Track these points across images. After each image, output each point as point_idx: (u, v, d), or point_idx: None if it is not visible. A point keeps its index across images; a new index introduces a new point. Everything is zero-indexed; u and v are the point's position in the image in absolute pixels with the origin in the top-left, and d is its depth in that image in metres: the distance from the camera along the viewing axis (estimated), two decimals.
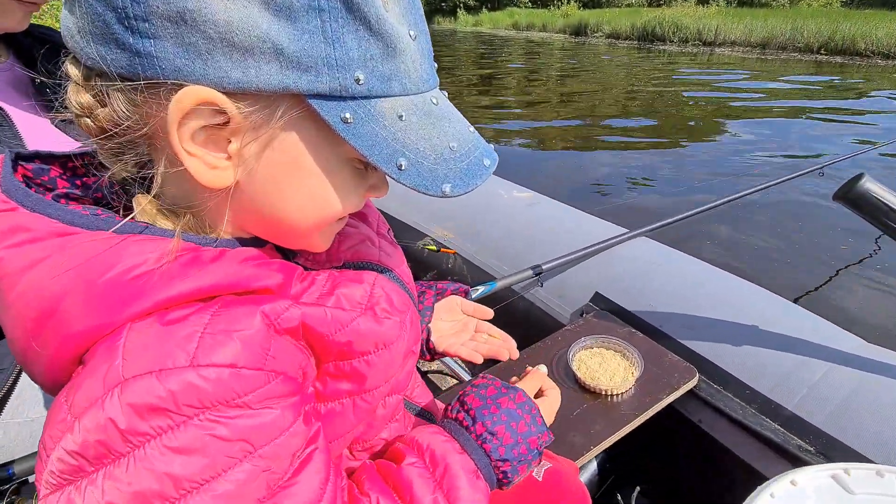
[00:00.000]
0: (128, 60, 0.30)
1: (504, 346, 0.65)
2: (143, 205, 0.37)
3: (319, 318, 0.39)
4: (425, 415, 0.62)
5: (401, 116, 0.34)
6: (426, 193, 0.35)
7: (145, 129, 0.33)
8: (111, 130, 0.33)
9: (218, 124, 0.33)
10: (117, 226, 0.34)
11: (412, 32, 0.35)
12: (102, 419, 0.29)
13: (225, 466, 0.31)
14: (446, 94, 0.40)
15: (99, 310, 0.32)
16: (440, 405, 0.73)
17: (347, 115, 0.33)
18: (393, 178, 0.35)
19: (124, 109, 0.32)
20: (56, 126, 0.93)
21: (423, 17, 0.37)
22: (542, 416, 0.53)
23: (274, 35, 0.30)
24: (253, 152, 0.34)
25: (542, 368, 0.65)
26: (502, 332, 0.66)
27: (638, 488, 1.05)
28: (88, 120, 0.34)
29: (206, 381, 0.31)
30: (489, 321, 0.72)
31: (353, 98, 0.33)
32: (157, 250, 0.34)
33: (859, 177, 0.73)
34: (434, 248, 1.57)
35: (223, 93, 0.31)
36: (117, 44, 0.30)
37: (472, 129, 0.40)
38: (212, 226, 0.38)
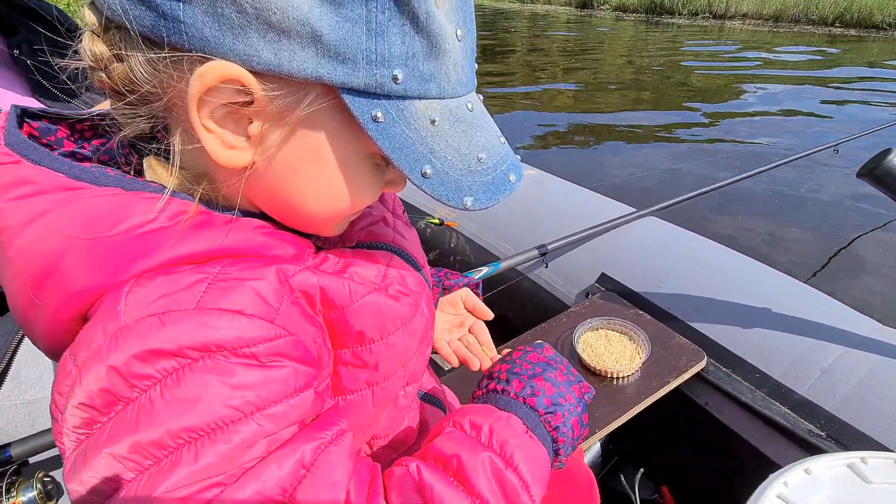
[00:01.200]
0: (152, 21, 0.28)
1: (480, 354, 0.61)
2: (154, 167, 0.36)
3: (336, 289, 0.37)
4: (432, 399, 0.60)
5: (433, 121, 0.33)
6: (446, 204, 0.34)
7: (163, 100, 0.32)
8: (126, 91, 0.32)
9: (240, 103, 0.31)
10: (128, 182, 0.33)
11: (459, 32, 0.33)
12: (104, 366, 0.28)
13: (227, 419, 0.29)
14: (482, 97, 0.38)
15: (103, 267, 0.31)
16: (447, 391, 0.71)
17: (379, 114, 0.31)
18: (415, 185, 0.33)
19: (143, 72, 0.30)
20: (41, 101, 0.89)
21: (473, 14, 0.35)
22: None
23: (315, 19, 0.28)
24: (274, 137, 0.33)
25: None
26: (490, 340, 0.62)
27: (642, 470, 1.04)
28: (103, 74, 0.32)
29: (212, 325, 0.29)
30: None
31: (388, 97, 0.31)
32: (169, 210, 0.33)
33: (887, 152, 0.69)
34: (437, 221, 1.54)
35: (251, 72, 0.29)
36: (143, 0, 0.28)
37: (502, 139, 0.38)
38: (226, 198, 0.37)
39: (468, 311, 0.66)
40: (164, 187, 0.34)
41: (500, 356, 0.53)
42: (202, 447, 0.28)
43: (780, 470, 0.56)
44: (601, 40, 10.56)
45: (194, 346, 0.28)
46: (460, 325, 0.65)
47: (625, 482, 1.07)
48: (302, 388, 0.32)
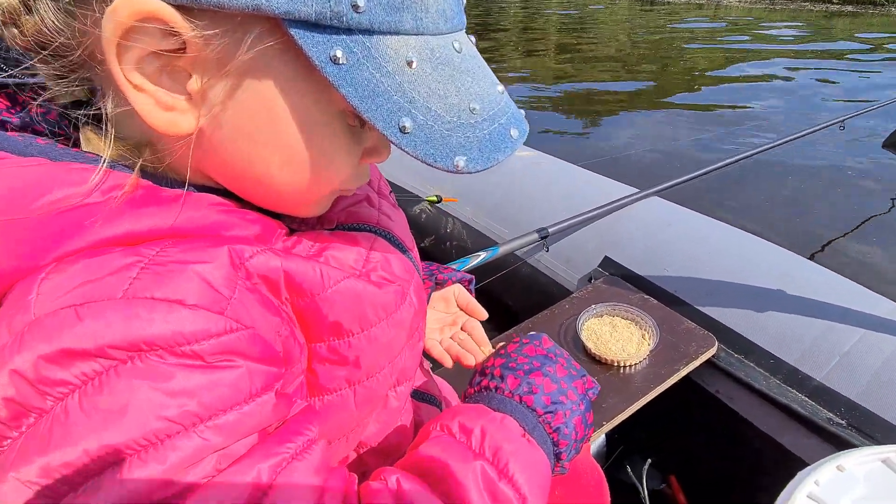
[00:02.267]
0: None
1: (475, 350, 0.55)
2: (90, 138, 0.31)
3: (305, 273, 0.32)
4: (427, 398, 0.55)
5: (410, 62, 0.27)
6: (433, 166, 0.28)
7: (77, 52, 0.26)
8: (41, 47, 0.26)
9: (171, 51, 0.25)
10: (57, 151, 0.27)
11: None
12: (6, 371, 0.23)
13: (162, 433, 0.23)
14: (474, 39, 0.32)
15: (20, 248, 0.25)
16: (442, 384, 0.66)
17: (338, 54, 0.25)
18: (393, 143, 0.28)
19: (53, 20, 0.25)
20: None
21: None
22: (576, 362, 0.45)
23: None
24: (217, 93, 0.27)
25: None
26: (485, 338, 0.57)
27: (650, 461, 1.00)
28: (15, 30, 0.26)
29: (143, 318, 0.24)
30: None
31: (349, 31, 0.26)
32: (105, 184, 0.27)
33: None
34: (434, 198, 1.49)
35: (175, 6, 0.24)
36: None
37: (500, 88, 0.32)
38: (174, 170, 0.31)
39: (461, 310, 0.60)
40: (101, 157, 0.28)
41: (494, 350, 0.47)
42: (130, 469, 0.23)
43: (810, 467, 0.52)
44: (596, 18, 10.37)
45: (120, 344, 0.23)
46: (452, 324, 0.59)
47: (631, 473, 1.04)
48: (259, 391, 0.27)
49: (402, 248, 0.42)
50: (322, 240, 0.36)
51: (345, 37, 0.25)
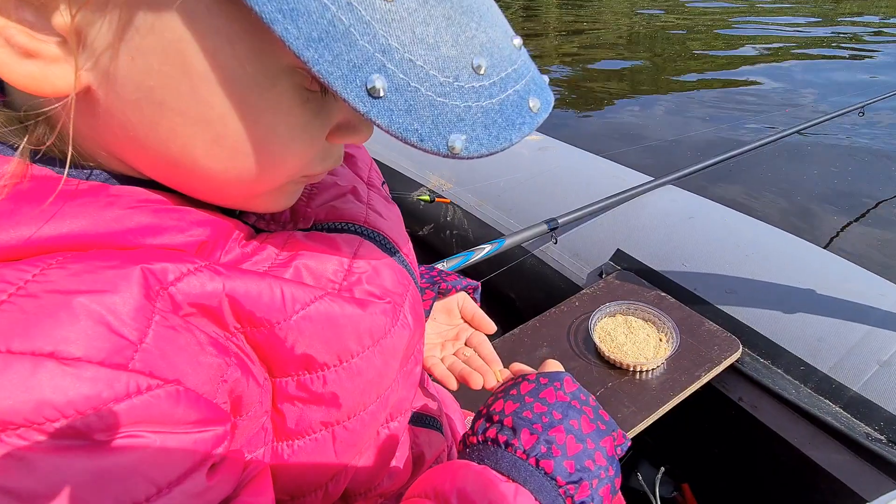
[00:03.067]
0: None
1: (484, 370, 0.47)
2: None
3: (260, 296, 0.24)
4: (426, 420, 0.47)
5: None
6: (417, 146, 0.20)
7: None
8: None
9: None
10: None
11: None
12: None
13: None
14: None
15: None
16: (441, 395, 0.58)
17: None
18: (358, 112, 0.19)
19: None
20: None
21: None
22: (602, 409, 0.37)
23: None
24: (104, 33, 0.19)
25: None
26: (493, 354, 0.49)
27: (663, 469, 0.94)
28: None
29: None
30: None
31: None
32: None
33: None
34: (427, 198, 1.38)
35: None
36: None
37: (517, 41, 0.23)
38: (84, 154, 0.23)
39: (465, 322, 0.52)
40: None
41: (502, 382, 0.39)
42: None
43: None
44: None
45: None
46: (455, 338, 0.51)
47: (642, 480, 0.98)
48: (182, 474, 0.19)
49: (396, 253, 0.34)
50: (293, 245, 0.28)
51: None
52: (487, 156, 0.21)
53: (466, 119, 0.20)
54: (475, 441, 0.35)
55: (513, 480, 0.31)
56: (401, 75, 0.19)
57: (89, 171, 0.23)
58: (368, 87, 0.18)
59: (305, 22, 0.17)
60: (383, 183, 0.42)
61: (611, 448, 0.34)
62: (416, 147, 0.20)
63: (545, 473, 0.31)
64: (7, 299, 0.17)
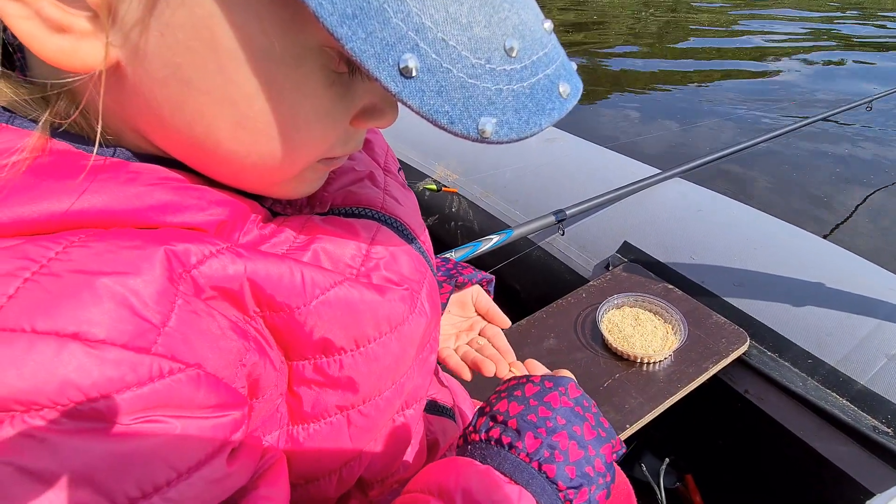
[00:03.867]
0: None
1: (496, 358, 0.47)
2: None
3: (280, 279, 0.24)
4: (439, 408, 0.47)
5: None
6: (447, 129, 0.19)
7: None
8: None
9: None
10: None
11: None
12: None
13: None
14: None
15: None
16: (453, 385, 0.58)
17: None
18: (389, 91, 0.18)
19: None
20: None
21: None
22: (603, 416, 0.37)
23: None
24: (135, 8, 0.19)
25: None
26: (508, 346, 0.48)
27: (668, 460, 0.95)
28: None
29: (14, 363, 0.16)
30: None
31: None
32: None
33: None
34: (433, 187, 1.38)
35: None
36: None
37: (548, 25, 0.23)
38: (107, 130, 0.23)
39: (480, 316, 0.52)
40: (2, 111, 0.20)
41: (506, 381, 0.39)
42: None
43: (875, 499, 0.45)
44: None
45: None
46: (469, 329, 0.51)
47: (646, 471, 0.98)
48: (205, 459, 0.19)
49: (413, 240, 0.34)
50: (311, 229, 0.27)
51: None
52: (516, 141, 0.21)
53: (497, 102, 0.20)
54: (477, 439, 0.35)
55: (516, 483, 0.31)
56: (433, 55, 0.19)
57: (112, 148, 0.23)
58: (401, 67, 0.18)
59: (340, 4, 0.17)
60: (399, 169, 0.41)
61: (609, 455, 0.34)
62: (445, 130, 0.20)
63: (547, 477, 0.31)
64: (31, 277, 0.17)
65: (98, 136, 0.21)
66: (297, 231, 0.27)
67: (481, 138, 0.20)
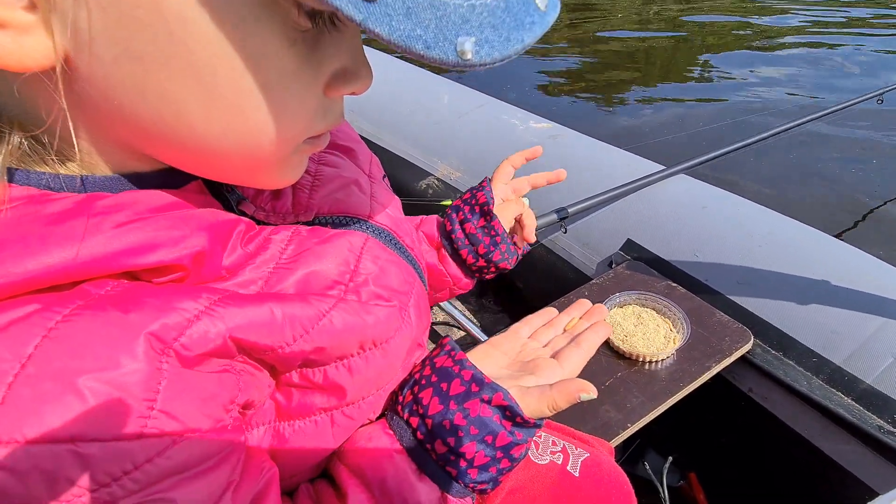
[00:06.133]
0: None
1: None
2: None
3: (261, 325, 0.24)
4: None
5: None
6: (424, 56, 0.18)
7: None
8: None
9: None
10: None
11: None
12: None
13: None
14: None
15: None
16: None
17: None
18: (353, 19, 0.17)
19: None
20: None
21: None
22: (526, 418, 0.35)
23: None
24: None
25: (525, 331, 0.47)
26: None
27: (671, 458, 0.94)
28: None
29: (27, 474, 0.16)
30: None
31: None
32: None
33: None
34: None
35: None
36: None
37: None
38: (85, 158, 0.22)
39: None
40: None
41: (444, 357, 0.37)
42: None
43: (879, 499, 0.45)
44: None
45: None
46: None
47: (649, 469, 0.98)
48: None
49: (401, 248, 0.34)
50: (298, 243, 0.27)
51: None
52: (500, 62, 0.19)
53: (472, 20, 0.18)
54: (403, 413, 0.35)
55: (426, 475, 0.33)
56: None
57: (78, 177, 0.22)
58: None
59: None
60: (384, 176, 0.41)
61: (518, 452, 0.35)
62: (423, 58, 0.18)
63: (451, 477, 0.33)
64: (20, 372, 0.17)
65: (76, 150, 0.21)
66: (284, 246, 0.27)
67: (462, 61, 0.18)
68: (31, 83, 0.19)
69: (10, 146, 0.20)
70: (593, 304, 0.93)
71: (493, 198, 0.55)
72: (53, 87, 0.19)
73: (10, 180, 0.20)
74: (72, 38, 0.19)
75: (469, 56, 0.18)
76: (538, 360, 0.41)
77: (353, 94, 0.25)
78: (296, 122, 0.24)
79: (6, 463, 0.16)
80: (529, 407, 0.36)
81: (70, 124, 0.20)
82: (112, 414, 0.18)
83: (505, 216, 0.57)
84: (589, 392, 0.35)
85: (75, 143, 0.21)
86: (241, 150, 0.23)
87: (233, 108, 0.21)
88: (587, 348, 0.41)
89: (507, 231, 0.56)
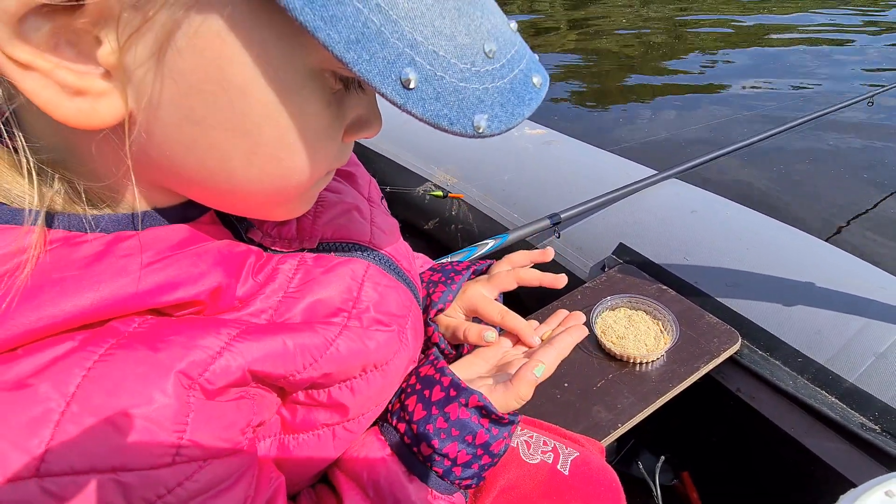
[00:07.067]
0: None
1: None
2: None
3: (275, 357, 0.26)
4: None
5: None
6: (448, 130, 0.22)
7: None
8: None
9: (63, 6, 0.18)
10: None
11: None
12: None
13: None
14: None
15: None
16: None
17: None
18: (395, 104, 0.21)
19: None
20: None
21: None
22: (501, 414, 0.38)
23: None
24: (144, 59, 0.20)
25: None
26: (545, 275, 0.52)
27: (663, 458, 0.97)
28: None
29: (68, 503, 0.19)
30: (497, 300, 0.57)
31: None
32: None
33: None
34: (440, 193, 1.40)
35: None
36: None
37: (512, 23, 0.26)
38: (111, 196, 0.24)
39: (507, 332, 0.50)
40: None
41: (426, 367, 0.40)
42: None
43: (853, 491, 0.47)
44: None
45: None
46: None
47: (642, 468, 1.00)
48: None
49: (399, 272, 0.37)
50: (304, 273, 0.30)
51: None
52: (505, 132, 0.23)
53: (486, 100, 0.22)
54: (392, 420, 0.38)
55: (415, 476, 0.35)
56: (428, 66, 0.21)
57: (103, 217, 0.24)
58: (403, 80, 0.20)
59: (344, 26, 0.19)
60: (382, 198, 0.44)
61: (498, 447, 0.38)
62: (446, 131, 0.22)
63: (437, 475, 0.36)
64: (65, 409, 0.19)
65: (136, 198, 0.23)
66: (291, 275, 0.30)
67: (477, 134, 0.22)
68: (99, 142, 0.22)
69: (52, 190, 0.23)
70: (586, 306, 0.96)
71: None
72: (119, 144, 0.22)
73: (49, 224, 0.22)
74: (139, 102, 0.21)
75: (482, 129, 0.22)
76: (513, 362, 0.43)
77: (365, 138, 0.28)
78: (321, 166, 0.27)
79: (58, 493, 0.18)
80: (498, 402, 0.38)
81: (132, 177, 0.22)
82: (147, 445, 0.20)
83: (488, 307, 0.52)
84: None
85: (135, 191, 0.23)
86: (269, 190, 0.26)
87: (272, 157, 0.24)
88: (560, 347, 0.43)
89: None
